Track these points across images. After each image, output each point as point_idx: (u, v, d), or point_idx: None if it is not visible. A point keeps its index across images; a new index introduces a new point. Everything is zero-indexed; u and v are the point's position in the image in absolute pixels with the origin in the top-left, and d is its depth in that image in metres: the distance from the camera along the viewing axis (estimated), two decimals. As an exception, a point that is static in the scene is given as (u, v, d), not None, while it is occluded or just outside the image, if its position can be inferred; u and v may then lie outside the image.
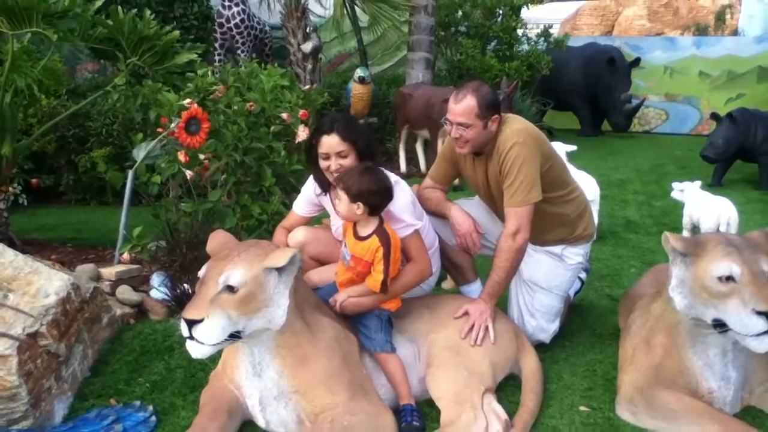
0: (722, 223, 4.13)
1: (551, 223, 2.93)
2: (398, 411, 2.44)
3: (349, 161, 2.69)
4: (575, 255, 3.03)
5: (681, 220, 4.75)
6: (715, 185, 6.61)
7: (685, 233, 4.56)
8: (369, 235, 2.52)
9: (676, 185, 4.54)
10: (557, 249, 2.98)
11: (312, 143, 2.78)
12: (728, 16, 20.83)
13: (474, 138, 2.79)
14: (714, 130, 6.80)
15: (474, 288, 3.13)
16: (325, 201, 2.92)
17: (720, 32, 18.81)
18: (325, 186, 2.84)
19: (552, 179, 2.85)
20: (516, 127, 2.80)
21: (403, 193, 2.66)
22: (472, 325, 2.64)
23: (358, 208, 2.50)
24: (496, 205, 3.01)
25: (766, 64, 10.79)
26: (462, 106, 2.76)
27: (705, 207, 4.27)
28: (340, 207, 2.55)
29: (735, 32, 16.28)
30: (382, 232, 2.51)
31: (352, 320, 2.60)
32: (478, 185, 3.02)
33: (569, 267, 3.03)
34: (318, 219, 3.09)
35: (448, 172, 3.13)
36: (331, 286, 2.69)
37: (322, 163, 2.73)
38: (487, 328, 2.64)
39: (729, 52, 11.25)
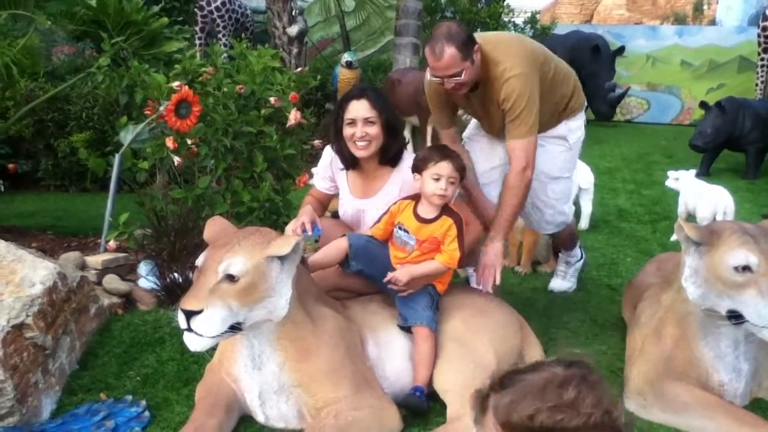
0: (719, 212, 4.10)
1: (558, 108, 2.93)
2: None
3: (375, 130, 2.63)
4: (577, 129, 3.02)
5: (672, 208, 4.73)
6: (703, 175, 6.59)
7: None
8: (437, 216, 2.50)
9: (671, 174, 4.50)
10: (562, 129, 2.97)
11: (338, 113, 2.70)
12: (706, 7, 20.98)
13: (469, 79, 2.67)
14: (703, 119, 6.79)
15: None
16: (341, 178, 2.83)
17: (698, 22, 18.94)
18: (348, 162, 2.76)
19: (561, 77, 2.86)
20: (509, 57, 2.69)
21: None
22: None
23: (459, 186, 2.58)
24: (496, 127, 2.93)
25: (747, 53, 10.83)
26: (445, 60, 2.60)
27: (701, 196, 4.23)
28: (454, 190, 2.52)
29: (713, 22, 16.39)
30: (451, 212, 2.52)
31: (398, 298, 2.53)
32: (475, 112, 2.99)
33: (572, 145, 3.02)
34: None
35: (446, 113, 3.03)
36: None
37: (347, 131, 2.65)
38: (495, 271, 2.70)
39: (710, 42, 11.29)
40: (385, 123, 2.66)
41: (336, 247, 2.56)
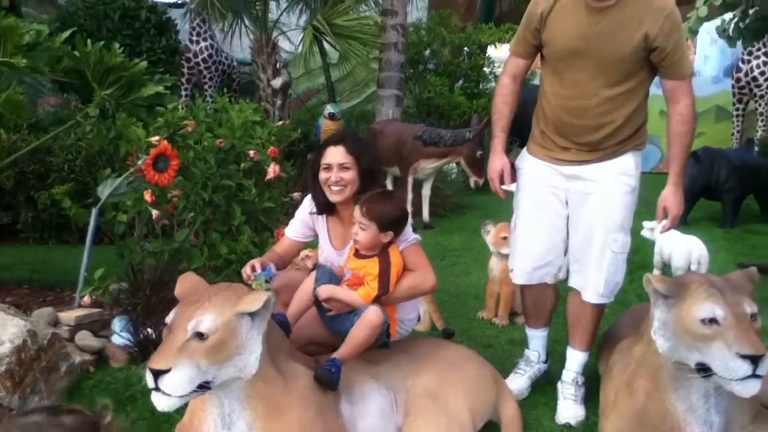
0: (693, 261, 4.16)
1: (635, 125, 2.72)
2: None
3: (350, 175, 2.67)
4: (639, 167, 2.78)
5: (650, 258, 4.76)
6: (680, 223, 6.67)
7: (656, 272, 4.57)
8: (371, 256, 2.54)
9: (646, 224, 4.57)
10: (628, 162, 2.72)
11: (316, 158, 2.76)
12: (684, 58, 21.60)
13: None
14: (678, 169, 6.90)
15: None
16: (319, 223, 2.85)
17: (677, 73, 19.39)
18: (322, 207, 2.79)
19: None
20: None
21: None
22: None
23: (386, 237, 2.53)
24: (580, 64, 2.65)
25: (723, 103, 11.09)
26: None
27: (675, 245, 4.29)
28: (365, 237, 2.52)
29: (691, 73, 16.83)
30: (383, 256, 2.54)
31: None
32: (569, 38, 2.63)
33: (635, 188, 2.75)
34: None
35: (533, 40, 2.79)
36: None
37: (323, 175, 2.70)
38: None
39: (687, 92, 11.53)
40: (362, 169, 2.71)
41: (307, 285, 2.62)
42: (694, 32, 5.76)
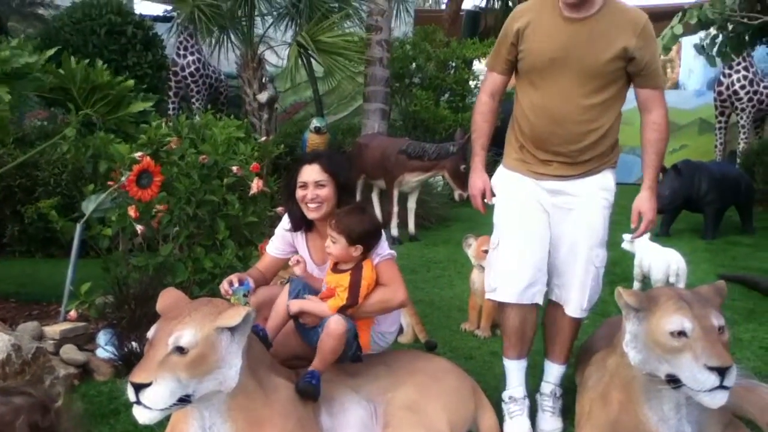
0: (671, 273, 4.24)
1: (611, 140, 2.76)
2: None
3: (326, 192, 2.73)
4: (614, 186, 2.84)
5: (631, 270, 4.84)
6: (663, 235, 6.78)
7: (636, 284, 4.65)
8: (346, 270, 2.58)
9: (626, 236, 4.65)
10: (607, 179, 2.79)
11: (292, 176, 2.81)
12: (669, 71, 21.84)
13: None
14: (660, 182, 7.00)
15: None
16: (298, 239, 2.91)
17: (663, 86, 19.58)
18: (297, 224, 2.85)
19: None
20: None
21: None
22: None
23: (356, 250, 2.56)
24: (558, 73, 2.67)
25: (706, 116, 11.26)
26: None
27: (655, 258, 4.37)
28: (335, 249, 2.58)
29: (676, 86, 17.02)
30: (357, 270, 2.57)
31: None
32: (548, 47, 2.65)
33: (611, 205, 2.81)
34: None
35: (509, 56, 2.80)
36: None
37: (299, 193, 2.76)
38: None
39: (671, 105, 11.40)
40: (338, 185, 2.77)
41: (283, 299, 2.66)
42: (667, 49, 5.89)
